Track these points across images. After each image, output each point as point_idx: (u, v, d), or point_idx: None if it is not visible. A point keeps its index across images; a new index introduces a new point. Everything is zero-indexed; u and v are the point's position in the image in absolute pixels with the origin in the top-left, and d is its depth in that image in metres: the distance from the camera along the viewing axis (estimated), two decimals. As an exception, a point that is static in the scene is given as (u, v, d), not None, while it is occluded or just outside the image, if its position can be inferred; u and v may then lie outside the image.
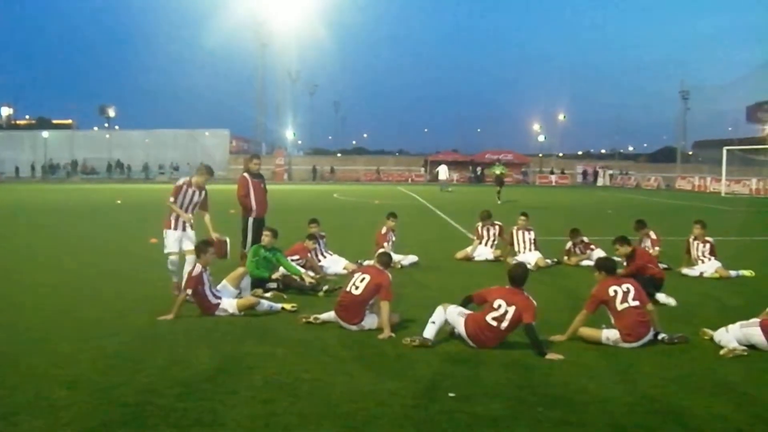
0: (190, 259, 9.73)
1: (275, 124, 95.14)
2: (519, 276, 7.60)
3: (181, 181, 10.17)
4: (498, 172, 37.97)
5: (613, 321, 7.66)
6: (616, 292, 7.67)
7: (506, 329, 7.33)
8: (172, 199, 9.94)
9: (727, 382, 6.40)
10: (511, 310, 7.29)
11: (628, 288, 7.69)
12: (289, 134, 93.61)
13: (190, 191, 10.08)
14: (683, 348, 7.46)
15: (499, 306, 7.34)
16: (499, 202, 33.40)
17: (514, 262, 13.31)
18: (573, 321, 7.82)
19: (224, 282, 9.51)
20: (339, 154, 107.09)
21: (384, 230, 13.76)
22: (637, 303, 7.58)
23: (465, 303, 7.79)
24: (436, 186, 56.17)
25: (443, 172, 54.85)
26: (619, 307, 7.58)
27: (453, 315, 7.59)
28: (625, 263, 10.53)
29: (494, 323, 7.33)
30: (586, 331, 7.68)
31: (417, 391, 6.04)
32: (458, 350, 7.33)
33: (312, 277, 11.06)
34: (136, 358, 6.87)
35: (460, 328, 7.47)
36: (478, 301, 7.67)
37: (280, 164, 77.31)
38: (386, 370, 6.62)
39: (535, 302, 7.41)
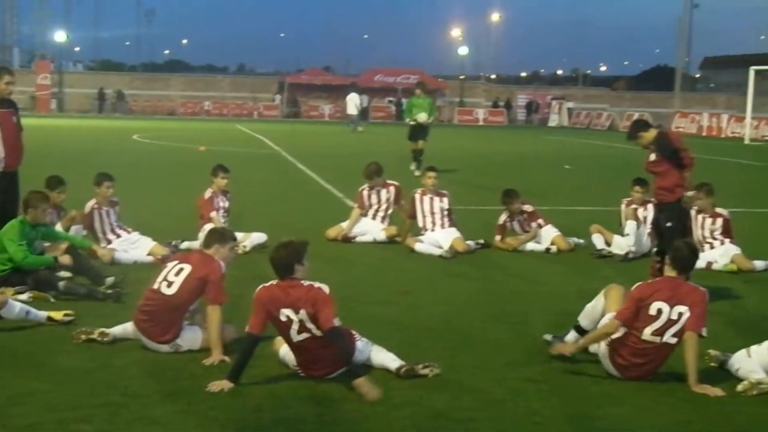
0: None
1: (34, 19, 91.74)
2: (282, 260, 7.50)
3: None
4: (419, 113, 26.77)
5: (613, 336, 7.76)
6: (660, 312, 7.60)
7: (324, 338, 7.27)
8: None
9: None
10: (305, 315, 7.27)
11: (680, 314, 7.54)
12: (60, 36, 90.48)
13: None
14: (675, 382, 7.66)
15: (288, 318, 7.31)
16: (417, 172, 24.36)
17: (417, 243, 13.65)
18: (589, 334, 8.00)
19: None
20: (141, 71, 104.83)
21: (209, 194, 13.68)
22: (674, 341, 7.59)
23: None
24: (344, 123, 56.27)
25: (353, 102, 54.86)
26: (647, 335, 7.59)
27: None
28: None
29: (304, 336, 7.31)
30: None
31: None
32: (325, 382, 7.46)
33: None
34: None
35: None
36: (258, 323, 7.48)
37: (44, 85, 74.79)
38: (217, 415, 6.62)
39: (325, 288, 7.37)
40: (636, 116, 62.40)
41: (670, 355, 7.64)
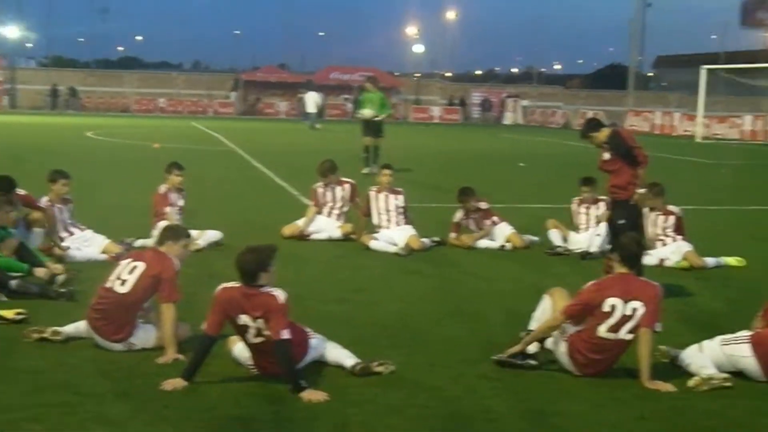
0: None
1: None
2: (247, 266, 7.38)
3: None
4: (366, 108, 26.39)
5: (570, 331, 7.80)
6: (614, 308, 7.63)
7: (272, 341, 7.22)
8: None
9: (700, 429, 6.77)
10: (261, 324, 7.23)
11: (634, 310, 7.59)
12: (12, 32, 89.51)
13: None
14: (628, 378, 7.73)
15: (246, 324, 7.28)
16: (371, 170, 24.10)
17: (372, 241, 13.65)
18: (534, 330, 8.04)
19: None
20: (95, 68, 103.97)
21: (164, 190, 13.63)
22: (630, 337, 7.63)
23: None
24: (304, 122, 56.83)
25: (312, 101, 55.75)
26: (602, 331, 7.62)
27: None
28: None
29: (260, 339, 7.28)
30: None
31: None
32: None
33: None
34: None
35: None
36: (216, 323, 7.39)
37: (-5, 81, 74.30)
38: (170, 414, 6.59)
39: (280, 297, 7.25)
40: (590, 114, 63.23)
41: (625, 352, 7.70)
